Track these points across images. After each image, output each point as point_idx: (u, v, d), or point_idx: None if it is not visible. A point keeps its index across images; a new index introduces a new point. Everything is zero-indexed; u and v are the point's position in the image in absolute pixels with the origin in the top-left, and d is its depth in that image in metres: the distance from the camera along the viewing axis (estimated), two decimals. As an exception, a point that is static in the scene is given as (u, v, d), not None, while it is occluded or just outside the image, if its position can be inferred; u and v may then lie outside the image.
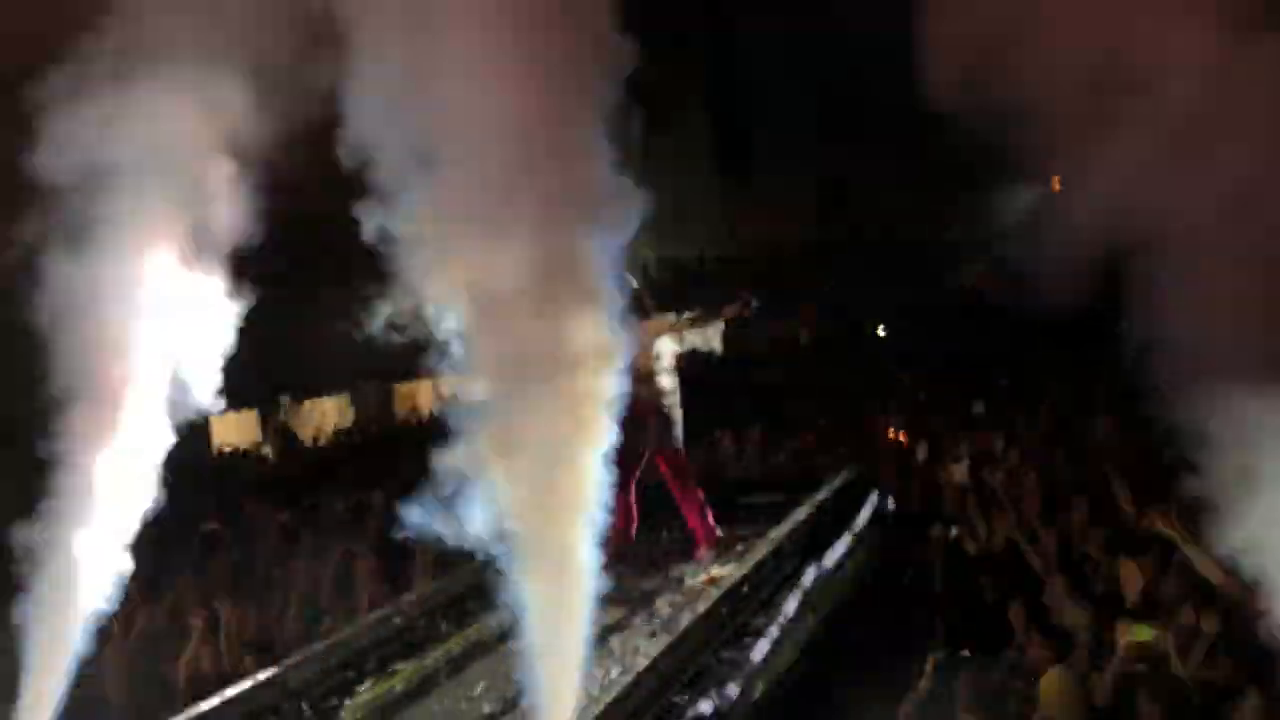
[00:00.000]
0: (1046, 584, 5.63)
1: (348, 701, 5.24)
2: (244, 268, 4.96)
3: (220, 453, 15.14)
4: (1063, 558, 6.04)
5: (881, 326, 17.75)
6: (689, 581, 6.14)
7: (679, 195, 17.64)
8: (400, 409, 18.94)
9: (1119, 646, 4.75)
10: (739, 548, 6.52)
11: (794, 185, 22.91)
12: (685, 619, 5.16)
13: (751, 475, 8.95)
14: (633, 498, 6.44)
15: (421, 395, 18.45)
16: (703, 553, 6.48)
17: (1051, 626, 5.34)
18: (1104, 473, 6.95)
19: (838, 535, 6.58)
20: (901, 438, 9.11)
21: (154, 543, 4.92)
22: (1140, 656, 4.67)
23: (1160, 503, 5.99)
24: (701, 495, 6.66)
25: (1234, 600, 4.92)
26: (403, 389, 19.11)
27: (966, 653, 5.45)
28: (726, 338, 6.78)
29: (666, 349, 6.43)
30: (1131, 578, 5.31)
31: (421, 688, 5.34)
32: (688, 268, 21.19)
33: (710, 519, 6.62)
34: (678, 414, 6.49)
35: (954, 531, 6.78)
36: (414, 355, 4.62)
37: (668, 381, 6.43)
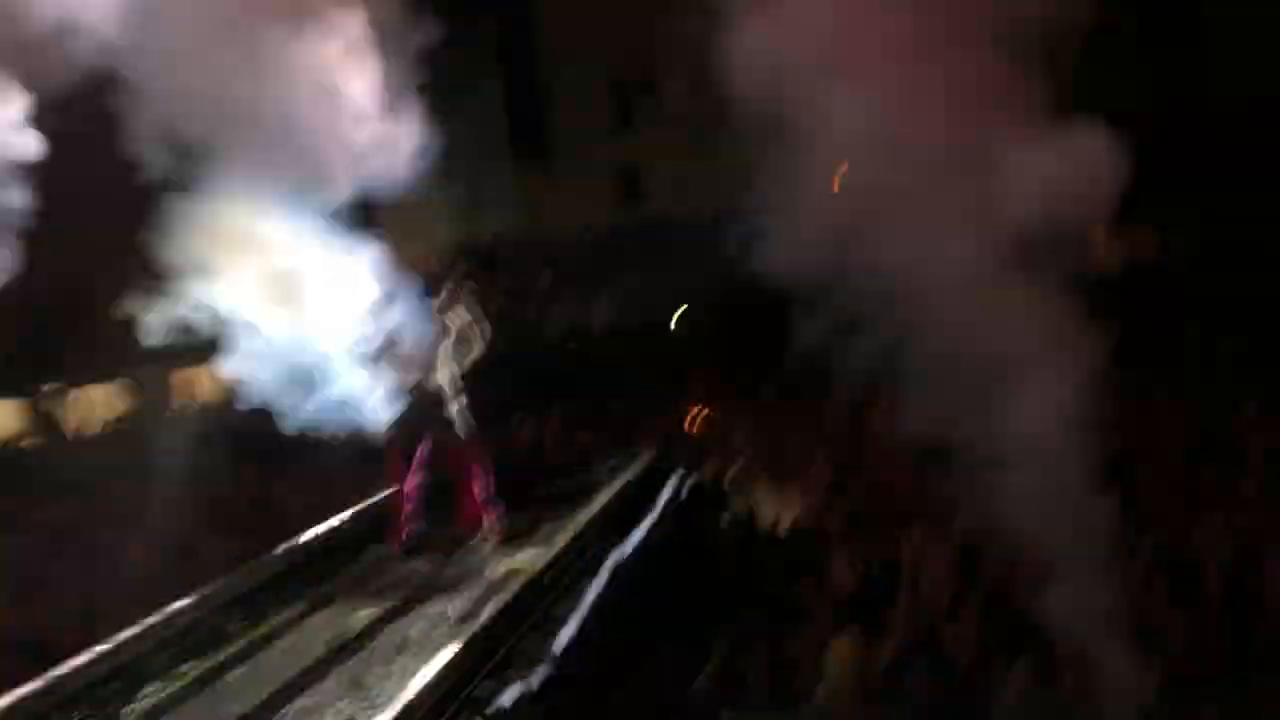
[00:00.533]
0: (833, 557, 5.91)
1: (130, 707, 4.96)
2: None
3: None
4: (848, 530, 6.35)
5: (674, 317, 18.01)
6: (488, 572, 6.10)
7: (476, 179, 17.47)
8: (179, 396, 17.98)
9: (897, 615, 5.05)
10: (543, 530, 6.56)
11: (591, 171, 23.00)
12: (486, 610, 5.14)
13: (552, 461, 8.97)
14: (419, 484, 6.47)
15: (201, 381, 17.54)
16: (495, 535, 6.48)
17: (839, 598, 5.61)
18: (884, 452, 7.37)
19: (637, 520, 6.69)
20: (696, 422, 9.32)
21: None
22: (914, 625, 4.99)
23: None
24: (487, 480, 6.70)
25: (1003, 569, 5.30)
26: (181, 374, 18.13)
27: (760, 624, 5.64)
28: (518, 325, 6.81)
29: (452, 339, 6.47)
30: (909, 549, 5.64)
31: (210, 689, 5.10)
32: (486, 251, 21.02)
33: (497, 503, 6.64)
34: (462, 401, 6.50)
35: (745, 509, 7.02)
36: (192, 340, 4.38)
37: (452, 370, 6.45)
